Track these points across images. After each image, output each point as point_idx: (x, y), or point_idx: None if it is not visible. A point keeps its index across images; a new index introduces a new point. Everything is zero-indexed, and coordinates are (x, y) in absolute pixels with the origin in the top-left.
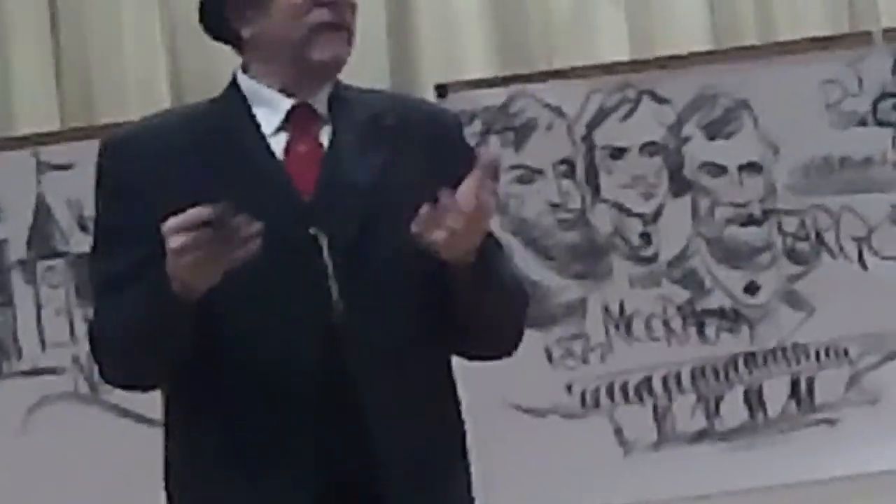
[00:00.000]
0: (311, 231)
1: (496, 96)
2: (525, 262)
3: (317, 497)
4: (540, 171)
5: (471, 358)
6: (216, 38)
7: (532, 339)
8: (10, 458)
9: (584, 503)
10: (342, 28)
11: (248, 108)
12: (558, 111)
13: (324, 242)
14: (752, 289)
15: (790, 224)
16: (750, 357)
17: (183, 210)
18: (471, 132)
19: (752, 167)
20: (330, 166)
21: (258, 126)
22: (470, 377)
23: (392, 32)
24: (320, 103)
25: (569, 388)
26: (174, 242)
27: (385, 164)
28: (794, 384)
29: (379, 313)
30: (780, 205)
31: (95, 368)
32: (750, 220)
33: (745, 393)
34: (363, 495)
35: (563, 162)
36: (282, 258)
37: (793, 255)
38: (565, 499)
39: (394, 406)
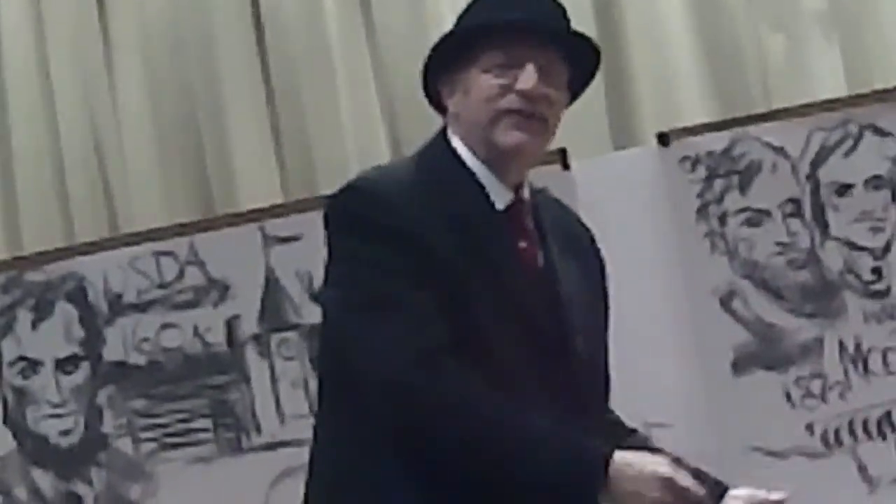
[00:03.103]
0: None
1: (719, 141)
2: (758, 305)
3: None
4: (767, 213)
5: None
6: (434, 107)
7: (771, 381)
8: None
9: None
10: (532, 117)
11: (476, 180)
12: (781, 151)
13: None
14: None
15: None
16: None
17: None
18: (695, 178)
19: None
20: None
21: (493, 205)
22: (713, 423)
23: (610, 83)
24: (526, 192)
25: (810, 428)
26: (667, 496)
27: (576, 271)
28: None
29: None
30: None
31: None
32: None
33: None
34: None
35: (789, 201)
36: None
37: None
38: None
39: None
